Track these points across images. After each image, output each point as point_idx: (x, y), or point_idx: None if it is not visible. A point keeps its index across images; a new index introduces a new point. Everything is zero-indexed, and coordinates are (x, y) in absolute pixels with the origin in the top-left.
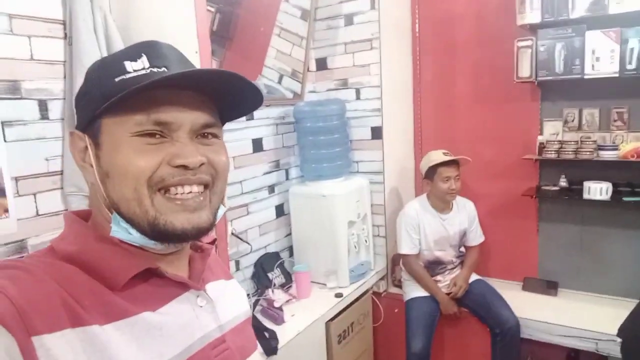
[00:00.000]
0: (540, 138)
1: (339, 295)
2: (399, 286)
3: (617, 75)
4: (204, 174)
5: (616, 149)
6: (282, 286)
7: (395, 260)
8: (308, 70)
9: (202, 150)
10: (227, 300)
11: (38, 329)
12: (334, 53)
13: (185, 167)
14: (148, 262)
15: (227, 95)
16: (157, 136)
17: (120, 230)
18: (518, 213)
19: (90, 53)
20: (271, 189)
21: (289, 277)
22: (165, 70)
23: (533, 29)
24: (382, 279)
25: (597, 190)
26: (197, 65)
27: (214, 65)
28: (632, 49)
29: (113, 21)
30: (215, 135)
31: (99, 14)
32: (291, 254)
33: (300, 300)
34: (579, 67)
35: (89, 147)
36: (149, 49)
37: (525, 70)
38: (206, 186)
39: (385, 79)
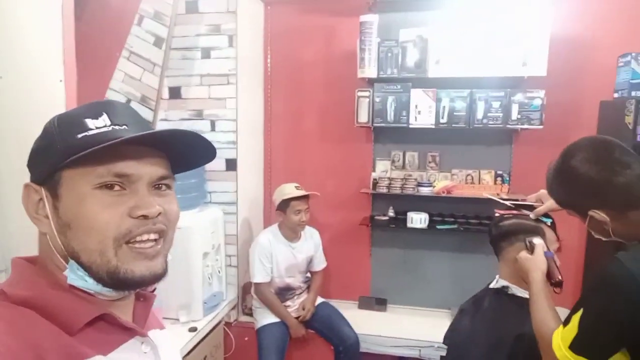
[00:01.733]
0: (373, 174)
1: (193, 329)
2: (249, 314)
3: (433, 126)
4: (161, 223)
5: (431, 186)
6: None
7: (246, 289)
8: (161, 98)
9: (158, 201)
10: (167, 348)
11: None
12: (189, 83)
13: (145, 217)
14: (102, 307)
15: (182, 150)
16: (117, 188)
17: (77, 278)
18: (354, 240)
19: None
20: None
21: None
22: (126, 127)
23: (370, 82)
24: (233, 308)
25: (418, 219)
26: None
27: None
28: (444, 107)
29: None
30: (168, 186)
31: None
32: None
33: None
34: (405, 118)
35: (44, 199)
36: (108, 107)
37: (363, 116)
38: (161, 235)
39: (241, 113)
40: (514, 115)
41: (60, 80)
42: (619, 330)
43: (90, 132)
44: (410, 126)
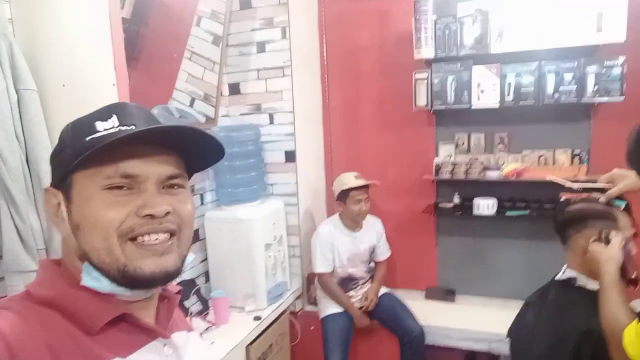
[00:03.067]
0: (436, 160)
1: (257, 318)
2: (314, 304)
3: (497, 105)
4: (170, 222)
5: (499, 169)
6: (199, 313)
7: (311, 279)
8: (221, 95)
9: (168, 200)
10: (191, 351)
11: None
12: (246, 79)
13: (151, 216)
14: (122, 307)
15: (191, 148)
16: (125, 189)
17: (91, 280)
18: (419, 228)
19: None
20: None
21: (206, 303)
22: (134, 127)
23: (428, 63)
24: (298, 298)
25: (485, 206)
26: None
27: None
28: (509, 84)
29: (19, 49)
30: (180, 186)
31: (3, 41)
32: (207, 280)
33: (219, 326)
34: (467, 98)
35: (61, 202)
36: (119, 109)
37: (422, 99)
38: (173, 234)
39: (297, 105)
40: (590, 87)
41: (114, 84)
42: None
43: (98, 134)
44: (473, 107)
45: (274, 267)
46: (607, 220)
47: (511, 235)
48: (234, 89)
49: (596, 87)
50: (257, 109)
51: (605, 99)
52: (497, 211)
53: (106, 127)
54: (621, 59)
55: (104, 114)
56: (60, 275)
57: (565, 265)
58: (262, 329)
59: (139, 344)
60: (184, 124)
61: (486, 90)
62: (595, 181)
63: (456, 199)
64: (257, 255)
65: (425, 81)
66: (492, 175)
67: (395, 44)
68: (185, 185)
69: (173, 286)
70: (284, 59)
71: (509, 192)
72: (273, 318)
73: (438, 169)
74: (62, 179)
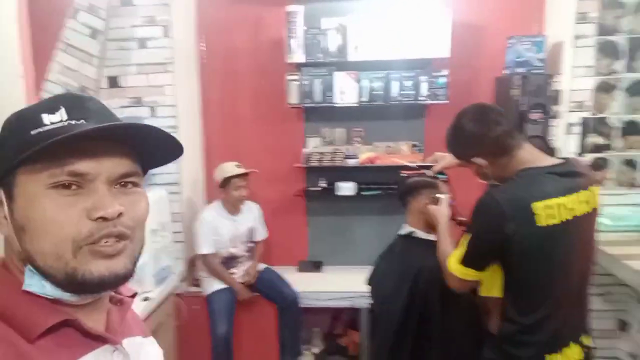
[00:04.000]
0: (305, 150)
1: (145, 299)
2: (197, 285)
3: (356, 104)
4: (123, 225)
5: (357, 158)
6: None
7: (193, 262)
8: (100, 88)
9: (121, 200)
10: (144, 357)
11: None
12: (126, 72)
13: (104, 218)
14: (65, 313)
15: (146, 144)
16: (73, 187)
17: (34, 284)
18: (291, 210)
19: None
20: None
21: None
22: (84, 122)
23: (298, 66)
24: (182, 280)
25: (346, 188)
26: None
27: None
28: (364, 87)
29: None
30: (135, 184)
31: None
32: None
33: None
34: (331, 98)
35: (3, 201)
36: (68, 101)
37: (293, 98)
38: (125, 237)
39: (179, 99)
40: (424, 92)
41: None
42: (490, 245)
43: (45, 128)
44: (336, 105)
45: (160, 252)
46: (434, 188)
47: (367, 212)
48: (113, 82)
49: (428, 92)
50: (138, 102)
51: (434, 101)
52: (356, 192)
53: (53, 120)
54: (446, 71)
55: (51, 105)
56: (2, 276)
57: (405, 224)
58: (150, 310)
59: (84, 351)
60: (139, 122)
61: (346, 92)
62: (424, 161)
63: (322, 183)
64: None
65: (297, 82)
66: (352, 162)
67: (270, 48)
68: (139, 184)
69: (127, 289)
70: (165, 56)
71: (365, 176)
72: (160, 299)
73: (307, 158)
74: (3, 176)
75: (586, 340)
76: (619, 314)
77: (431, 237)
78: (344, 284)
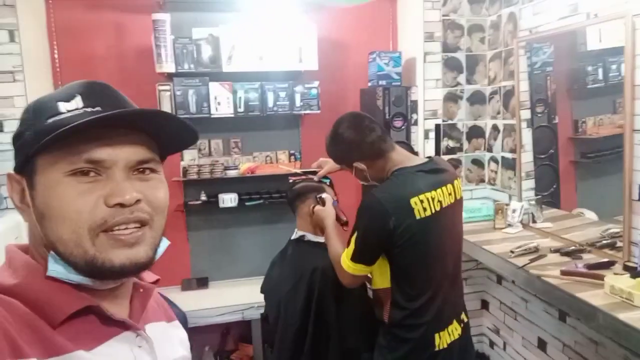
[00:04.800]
0: (182, 163)
1: None
2: None
3: (232, 115)
4: (141, 211)
5: (237, 168)
6: None
7: None
8: None
9: (139, 187)
10: (167, 342)
11: None
12: None
13: (121, 205)
14: (88, 299)
15: (162, 131)
16: (91, 174)
17: (57, 270)
18: (171, 227)
19: None
20: None
21: None
22: (100, 109)
23: (170, 76)
24: None
25: (228, 199)
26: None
27: None
28: (240, 97)
29: None
30: (153, 170)
31: None
32: None
33: None
34: (206, 109)
35: (25, 189)
36: (83, 88)
37: (166, 109)
38: (144, 223)
39: None
40: (298, 103)
41: None
42: (376, 240)
43: (61, 116)
44: (212, 116)
45: None
46: (320, 191)
47: (250, 222)
48: None
49: (302, 103)
50: None
51: (307, 111)
52: (238, 203)
53: (69, 108)
54: (316, 82)
55: (66, 93)
56: (26, 262)
57: (296, 229)
58: None
59: (107, 336)
60: (150, 109)
61: (222, 103)
62: (309, 168)
63: (203, 197)
64: None
65: (169, 93)
66: (232, 173)
67: (136, 56)
68: (158, 170)
69: (150, 275)
70: (13, 64)
71: (246, 186)
72: None
73: (185, 171)
74: (24, 164)
75: (464, 317)
76: (481, 295)
77: (321, 239)
78: (232, 298)
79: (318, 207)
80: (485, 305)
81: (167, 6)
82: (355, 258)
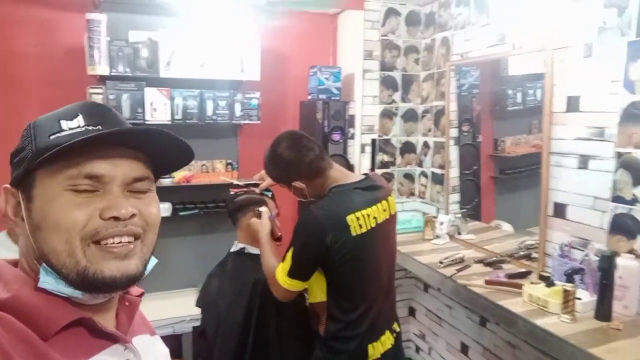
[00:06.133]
0: None
1: None
2: None
3: (169, 122)
4: (135, 225)
5: (171, 177)
6: None
7: None
8: None
9: (134, 203)
10: (152, 355)
11: None
12: None
13: (116, 218)
14: (80, 312)
15: (158, 150)
16: (89, 189)
17: (48, 282)
18: None
19: None
20: None
21: None
22: (100, 128)
23: (103, 79)
24: None
25: (162, 209)
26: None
27: None
28: (177, 104)
29: None
30: (147, 189)
31: None
32: None
33: None
34: (141, 114)
35: (21, 202)
36: (86, 109)
37: None
38: (137, 237)
39: None
40: (238, 112)
41: None
42: (313, 256)
43: (63, 133)
44: (147, 122)
45: None
46: (262, 204)
47: (184, 232)
48: None
49: (242, 113)
50: None
51: (247, 121)
52: (172, 213)
53: (71, 126)
54: (257, 93)
55: (69, 112)
56: (17, 276)
57: (236, 241)
58: None
59: (97, 349)
60: (152, 127)
61: (158, 109)
62: (251, 179)
63: None
64: None
65: (101, 96)
66: (166, 182)
67: (66, 56)
68: (152, 189)
69: (135, 289)
70: None
71: (181, 195)
72: None
73: None
74: (22, 178)
75: (396, 327)
76: (409, 302)
77: None
78: (163, 311)
79: (254, 220)
80: (412, 312)
81: (103, 6)
82: (292, 274)
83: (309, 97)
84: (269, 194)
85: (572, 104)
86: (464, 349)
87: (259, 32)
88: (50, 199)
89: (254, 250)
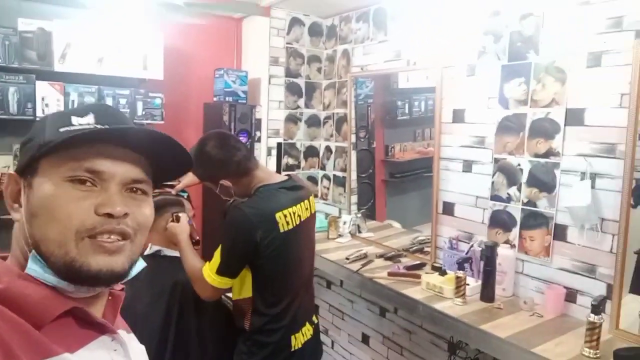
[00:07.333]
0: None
1: None
2: None
3: None
4: (126, 225)
5: None
6: None
7: None
8: None
9: (128, 203)
10: (132, 351)
11: None
12: None
13: (110, 215)
14: (72, 302)
15: (160, 156)
16: (88, 184)
17: (36, 269)
18: None
19: None
20: None
21: None
22: (108, 127)
23: None
24: None
25: None
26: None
27: None
28: (73, 100)
29: None
30: (144, 192)
31: None
32: None
33: None
34: (31, 110)
35: (22, 189)
36: (97, 108)
37: None
38: (127, 237)
39: None
40: (140, 111)
41: None
42: (243, 252)
43: (71, 127)
44: (37, 118)
45: None
46: (178, 205)
47: None
48: None
49: (144, 112)
50: None
51: (150, 121)
52: None
53: (81, 122)
54: (161, 93)
55: (81, 110)
56: (6, 268)
57: (150, 243)
58: None
59: (88, 339)
60: (155, 130)
61: (51, 105)
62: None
63: None
64: None
65: None
66: None
67: None
68: (148, 192)
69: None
70: None
71: None
72: None
73: None
74: (27, 165)
75: (314, 319)
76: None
77: (177, 253)
78: None
79: (172, 224)
80: (315, 309)
81: None
82: (221, 271)
83: (215, 99)
84: (185, 194)
85: (458, 116)
86: (365, 339)
87: (162, 30)
88: (49, 188)
89: (170, 252)
